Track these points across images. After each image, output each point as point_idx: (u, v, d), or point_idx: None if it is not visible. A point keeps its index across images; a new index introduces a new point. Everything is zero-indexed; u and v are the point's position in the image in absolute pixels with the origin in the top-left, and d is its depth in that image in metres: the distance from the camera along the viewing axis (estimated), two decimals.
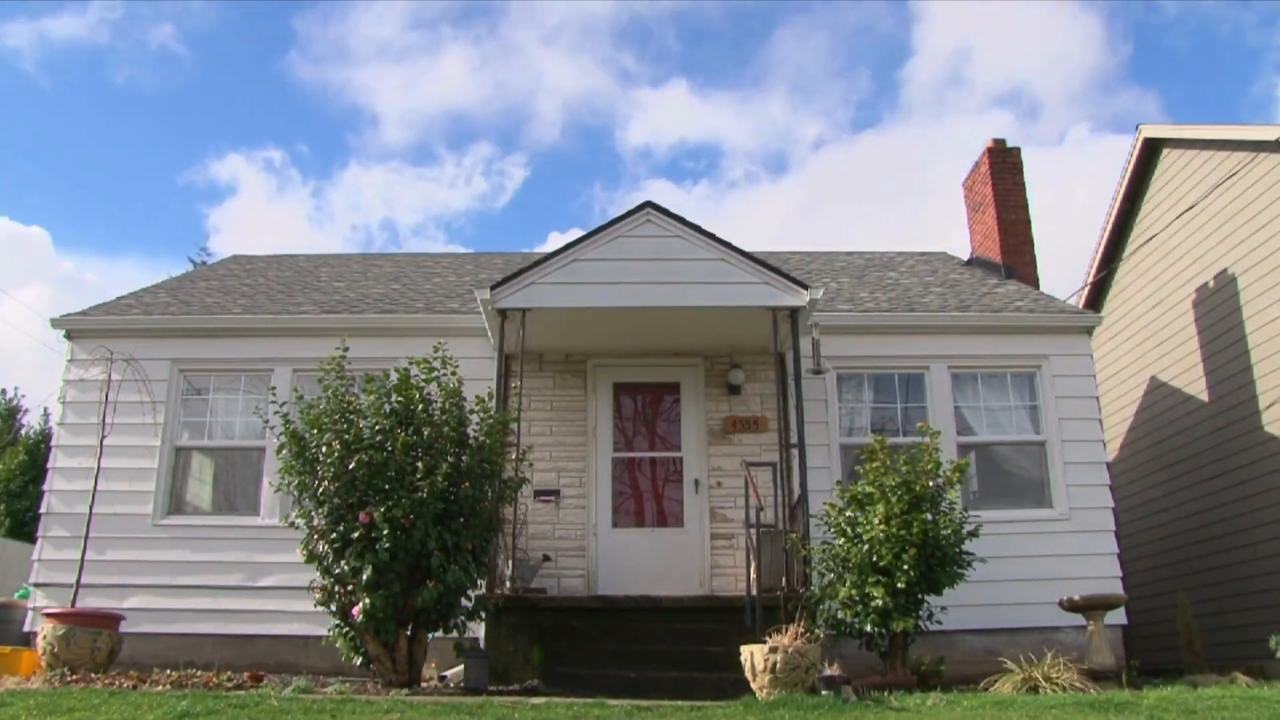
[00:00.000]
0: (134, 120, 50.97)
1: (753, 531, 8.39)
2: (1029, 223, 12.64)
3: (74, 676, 6.86)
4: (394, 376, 7.34)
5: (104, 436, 9.02)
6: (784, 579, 8.35)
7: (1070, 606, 8.23)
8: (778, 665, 6.04)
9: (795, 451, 8.81)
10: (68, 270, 52.34)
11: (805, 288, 8.83)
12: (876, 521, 7.50)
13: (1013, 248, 12.48)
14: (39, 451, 20.62)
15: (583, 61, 57.73)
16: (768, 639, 6.23)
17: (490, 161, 59.49)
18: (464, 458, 7.12)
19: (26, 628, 9.26)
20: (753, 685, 6.23)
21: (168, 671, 7.37)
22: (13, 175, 48.12)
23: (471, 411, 7.39)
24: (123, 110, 50.66)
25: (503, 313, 8.85)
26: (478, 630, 7.99)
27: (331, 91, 53.06)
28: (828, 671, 6.30)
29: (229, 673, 7.37)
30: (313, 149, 57.49)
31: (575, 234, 9.24)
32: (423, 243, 61.09)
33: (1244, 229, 11.02)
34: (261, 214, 59.26)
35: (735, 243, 9.02)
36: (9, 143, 47.17)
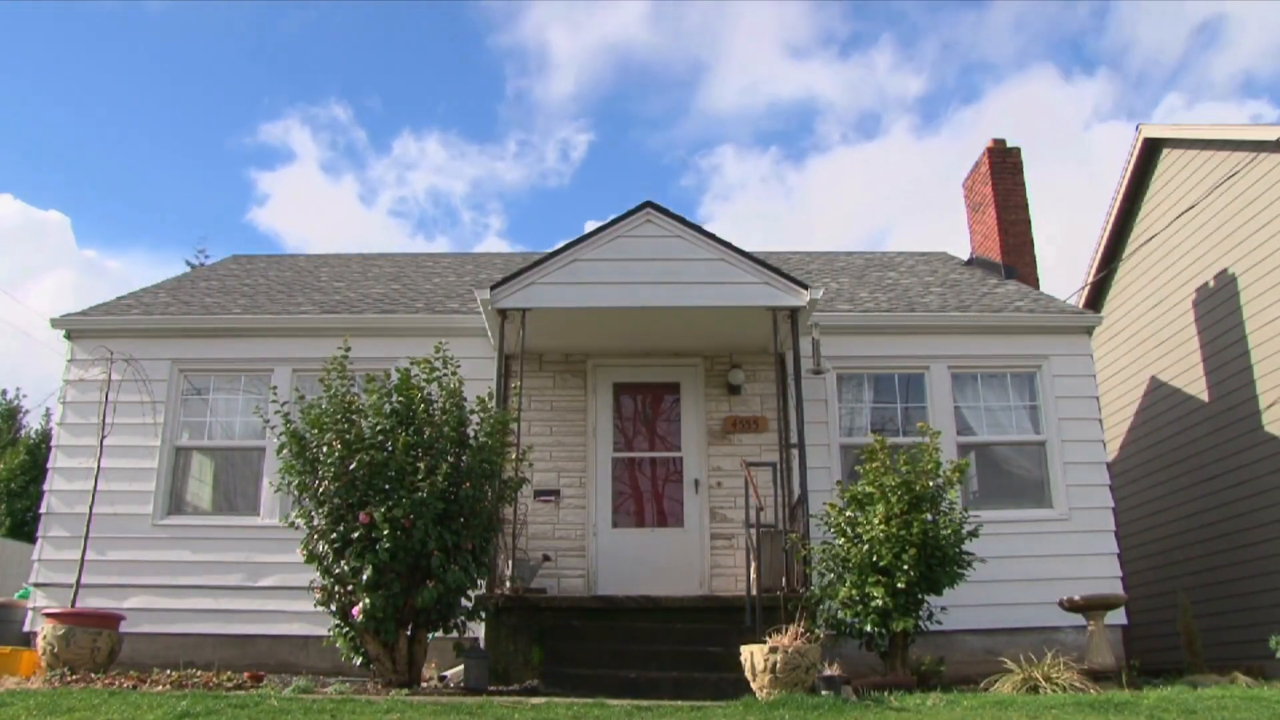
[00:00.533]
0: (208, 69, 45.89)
1: (753, 531, 8.39)
2: (1029, 223, 12.66)
3: (74, 676, 6.86)
4: (394, 376, 7.34)
5: (104, 436, 9.02)
6: (784, 579, 8.35)
7: (1070, 606, 8.23)
8: (778, 665, 6.04)
9: (795, 451, 8.81)
10: (90, 258, 51.02)
11: (805, 288, 8.83)
12: (876, 521, 7.51)
13: (1013, 248, 12.49)
14: (39, 451, 20.63)
15: (789, 11, 53.31)
16: (768, 639, 6.23)
17: (559, 128, 55.89)
18: (464, 458, 7.12)
19: (26, 628, 9.26)
20: (753, 685, 6.23)
21: (168, 671, 7.36)
22: (27, 152, 46.48)
23: (472, 411, 7.39)
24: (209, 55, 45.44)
25: (502, 313, 8.85)
26: (478, 630, 7.99)
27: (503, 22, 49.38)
28: (828, 671, 6.30)
29: (229, 673, 7.37)
30: (393, 105, 52.99)
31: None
32: (481, 216, 58.90)
33: (1244, 229, 11.02)
34: (315, 182, 57.15)
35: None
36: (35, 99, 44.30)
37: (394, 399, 7.19)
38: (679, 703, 5.99)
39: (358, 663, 7.04)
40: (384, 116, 53.39)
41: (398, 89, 52.03)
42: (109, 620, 7.53)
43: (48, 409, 22.98)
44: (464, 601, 7.17)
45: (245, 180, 53.10)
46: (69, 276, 47.67)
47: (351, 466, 6.77)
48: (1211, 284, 11.60)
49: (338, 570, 6.83)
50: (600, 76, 55.61)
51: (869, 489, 7.74)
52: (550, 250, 9.23)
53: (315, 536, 6.95)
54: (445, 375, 7.41)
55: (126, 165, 52.09)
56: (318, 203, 57.23)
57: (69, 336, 10.14)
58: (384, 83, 51.30)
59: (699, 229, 9.04)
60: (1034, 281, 12.25)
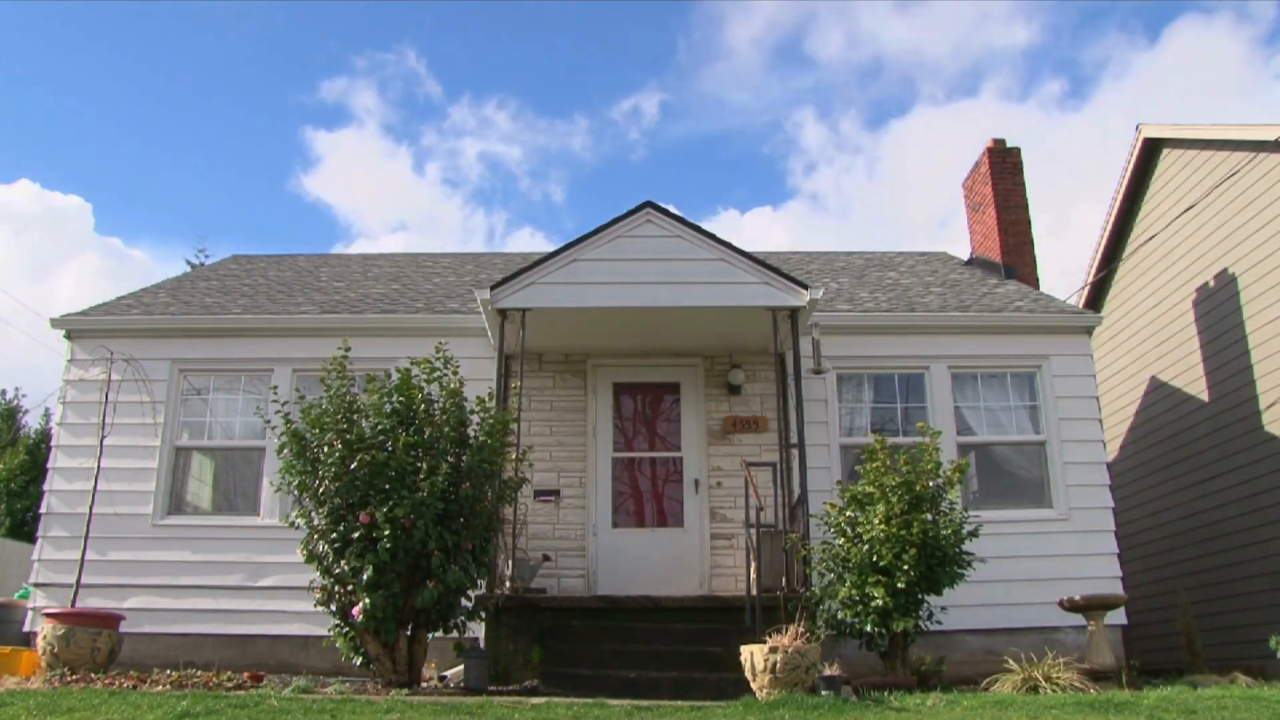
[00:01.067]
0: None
1: (753, 531, 8.39)
2: (1029, 223, 12.67)
3: (74, 676, 6.86)
4: (395, 376, 7.33)
5: (104, 436, 9.03)
6: (784, 579, 8.35)
7: (1070, 606, 8.23)
8: (778, 665, 6.04)
9: (795, 451, 8.81)
10: (113, 245, 50.14)
11: (805, 288, 8.83)
12: (877, 521, 7.50)
13: (1013, 248, 12.50)
14: (39, 451, 20.64)
15: None
16: (768, 639, 6.23)
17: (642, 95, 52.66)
18: (464, 458, 7.12)
19: (26, 628, 9.26)
20: (753, 685, 6.23)
21: (168, 671, 7.36)
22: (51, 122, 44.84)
23: (472, 412, 7.39)
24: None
25: (502, 313, 8.85)
26: (478, 630, 7.99)
27: None
28: (828, 671, 6.30)
29: (229, 673, 7.37)
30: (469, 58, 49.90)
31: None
32: (545, 185, 57.16)
33: (1244, 229, 11.02)
34: (371, 146, 55.60)
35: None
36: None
37: (394, 399, 7.19)
38: (679, 703, 5.99)
39: (358, 663, 7.04)
40: (465, 70, 50.12)
41: (481, 43, 48.38)
42: (109, 620, 7.53)
43: (47, 409, 23.02)
44: (464, 601, 7.17)
45: (298, 143, 50.99)
46: (93, 260, 47.03)
47: (352, 466, 6.77)
48: (1211, 284, 11.60)
49: (338, 570, 6.83)
50: (781, 21, 51.59)
51: (869, 489, 7.74)
52: (550, 250, 9.25)
53: (315, 536, 6.95)
54: (446, 375, 7.42)
55: (154, 151, 50.38)
56: (372, 168, 55.54)
57: (69, 336, 10.14)
58: (464, 37, 47.87)
59: (698, 229, 9.05)
60: (1034, 281, 12.25)
